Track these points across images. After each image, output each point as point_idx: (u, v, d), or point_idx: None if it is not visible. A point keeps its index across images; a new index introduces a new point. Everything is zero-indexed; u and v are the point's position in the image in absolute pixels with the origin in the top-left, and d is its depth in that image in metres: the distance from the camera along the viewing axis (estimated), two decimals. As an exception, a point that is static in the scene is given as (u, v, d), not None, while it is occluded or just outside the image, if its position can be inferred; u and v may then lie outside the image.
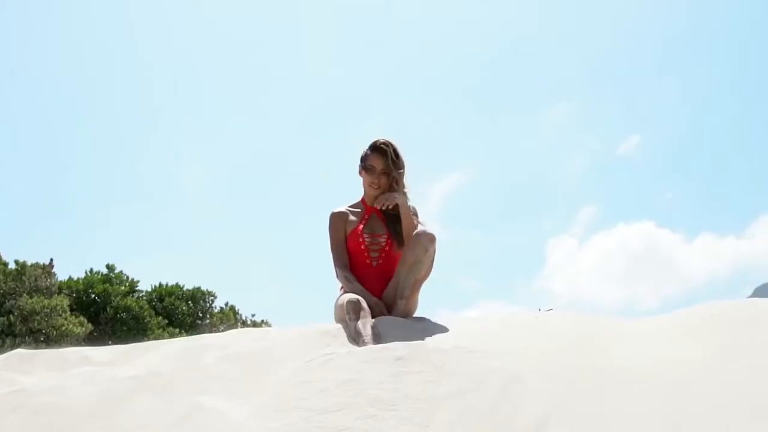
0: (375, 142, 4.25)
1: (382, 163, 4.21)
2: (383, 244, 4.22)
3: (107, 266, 19.46)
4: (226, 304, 21.18)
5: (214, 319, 19.88)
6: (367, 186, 4.30)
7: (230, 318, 20.17)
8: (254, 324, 20.87)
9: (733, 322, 3.32)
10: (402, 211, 4.13)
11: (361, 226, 4.25)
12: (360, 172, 4.34)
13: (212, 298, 20.55)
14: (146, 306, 18.28)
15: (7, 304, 15.11)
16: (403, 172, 4.21)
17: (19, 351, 4.24)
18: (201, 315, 20.20)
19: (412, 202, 4.19)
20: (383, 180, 4.24)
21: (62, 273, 19.01)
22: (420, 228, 4.04)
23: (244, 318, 21.25)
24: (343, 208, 4.36)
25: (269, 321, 20.98)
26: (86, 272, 19.07)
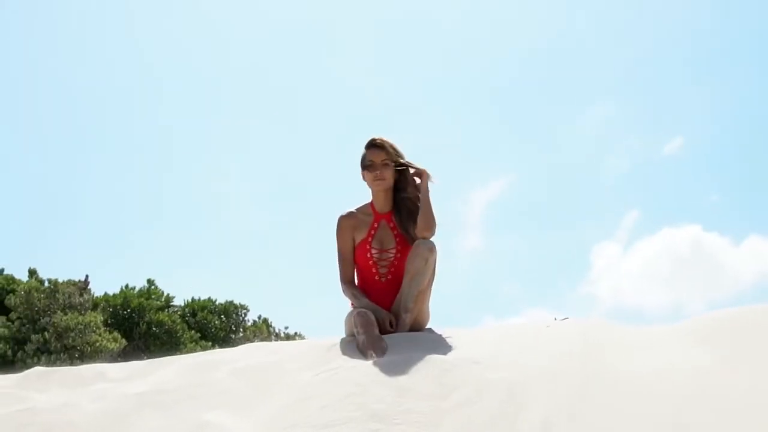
0: (368, 141, 4.20)
1: (381, 155, 4.14)
2: (392, 258, 4.15)
3: (148, 281, 19.69)
4: (259, 317, 21.30)
5: (247, 332, 19.98)
6: (372, 182, 4.18)
7: (263, 331, 20.26)
8: (287, 336, 20.93)
9: (739, 329, 3.28)
10: (423, 197, 4.08)
11: (370, 238, 4.17)
12: (363, 176, 4.23)
13: (245, 311, 20.68)
14: (179, 320, 18.43)
15: (41, 321, 15.33)
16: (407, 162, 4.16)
17: (37, 369, 4.31)
18: (234, 328, 20.32)
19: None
20: (386, 172, 4.14)
21: (99, 289, 19.27)
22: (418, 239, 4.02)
23: (277, 331, 21.33)
24: (352, 212, 4.25)
25: (302, 333, 21.04)
26: (122, 288, 19.32)
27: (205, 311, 19.91)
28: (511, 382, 2.92)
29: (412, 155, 4.24)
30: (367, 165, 4.17)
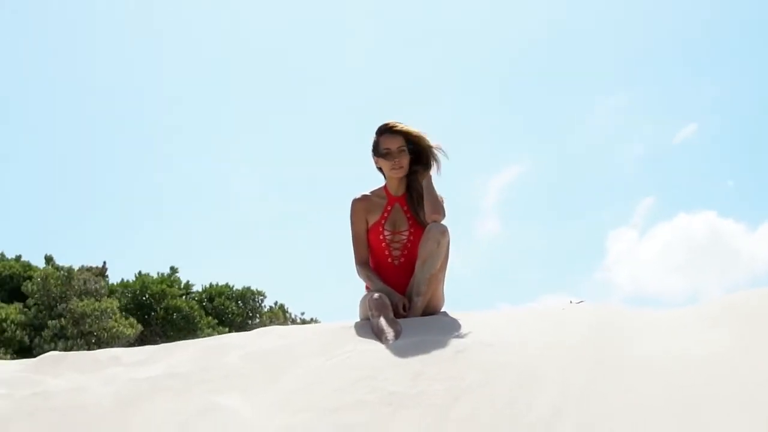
0: (380, 127, 4.11)
1: (397, 141, 4.06)
2: (405, 241, 4.10)
3: (171, 268, 19.76)
4: (276, 303, 21.38)
5: (264, 318, 20.05)
6: (389, 171, 4.10)
7: (279, 317, 20.33)
8: (303, 322, 21.00)
9: (754, 312, 3.20)
10: (425, 182, 4.04)
11: (383, 220, 4.12)
12: (377, 162, 4.17)
13: (261, 297, 20.76)
14: (196, 306, 18.51)
15: (58, 307, 15.42)
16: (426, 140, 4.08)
17: (52, 353, 4.29)
18: (251, 314, 20.40)
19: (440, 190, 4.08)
20: (404, 159, 4.07)
21: (116, 276, 19.37)
22: (432, 222, 3.97)
23: (293, 317, 21.41)
24: (366, 195, 4.20)
25: (318, 319, 21.10)
26: (138, 273, 19.39)
27: (223, 297, 19.99)
28: (524, 365, 2.88)
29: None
30: (383, 153, 4.09)
